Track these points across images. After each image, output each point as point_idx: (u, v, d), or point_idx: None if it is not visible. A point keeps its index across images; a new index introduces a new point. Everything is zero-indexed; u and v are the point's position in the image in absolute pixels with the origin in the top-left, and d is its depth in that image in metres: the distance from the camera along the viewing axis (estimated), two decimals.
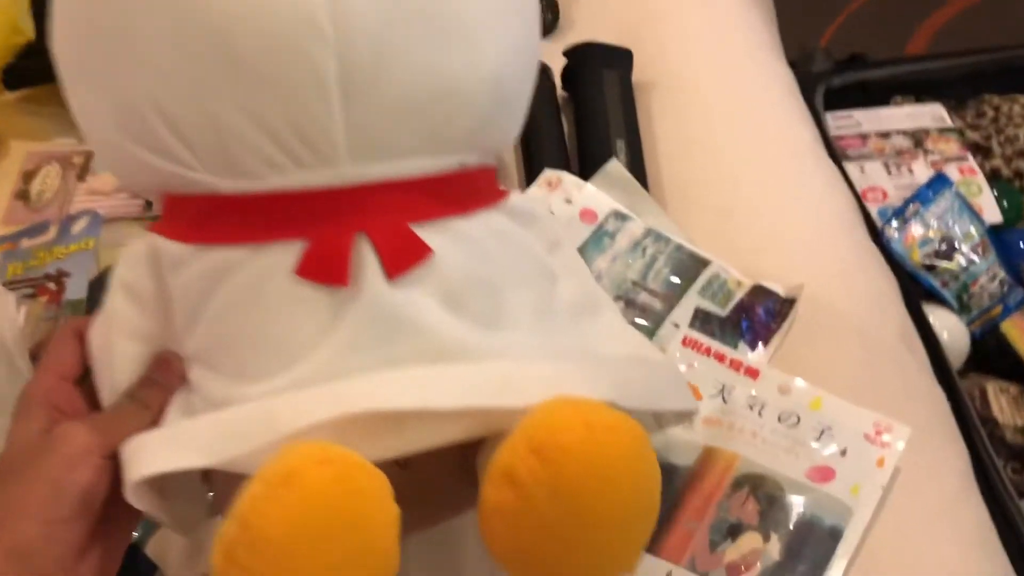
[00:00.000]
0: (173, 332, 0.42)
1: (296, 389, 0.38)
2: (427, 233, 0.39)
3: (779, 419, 0.61)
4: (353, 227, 0.38)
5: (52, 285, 0.72)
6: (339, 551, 0.34)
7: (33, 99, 0.91)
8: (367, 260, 0.38)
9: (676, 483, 0.59)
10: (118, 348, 0.42)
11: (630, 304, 0.66)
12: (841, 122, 1.10)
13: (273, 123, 0.37)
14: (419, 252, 0.39)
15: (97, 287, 0.72)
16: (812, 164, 0.81)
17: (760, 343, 0.66)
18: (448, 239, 0.40)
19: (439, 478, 0.45)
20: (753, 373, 0.63)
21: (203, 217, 0.39)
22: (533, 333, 0.42)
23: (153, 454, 0.37)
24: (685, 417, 0.54)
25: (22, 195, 0.83)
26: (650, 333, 0.65)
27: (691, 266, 0.69)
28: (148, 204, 0.81)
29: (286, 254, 0.38)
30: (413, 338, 0.39)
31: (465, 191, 0.42)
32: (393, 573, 0.36)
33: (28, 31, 0.81)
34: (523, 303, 0.42)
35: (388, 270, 0.38)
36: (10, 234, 0.78)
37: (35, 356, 0.65)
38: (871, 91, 1.16)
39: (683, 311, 0.66)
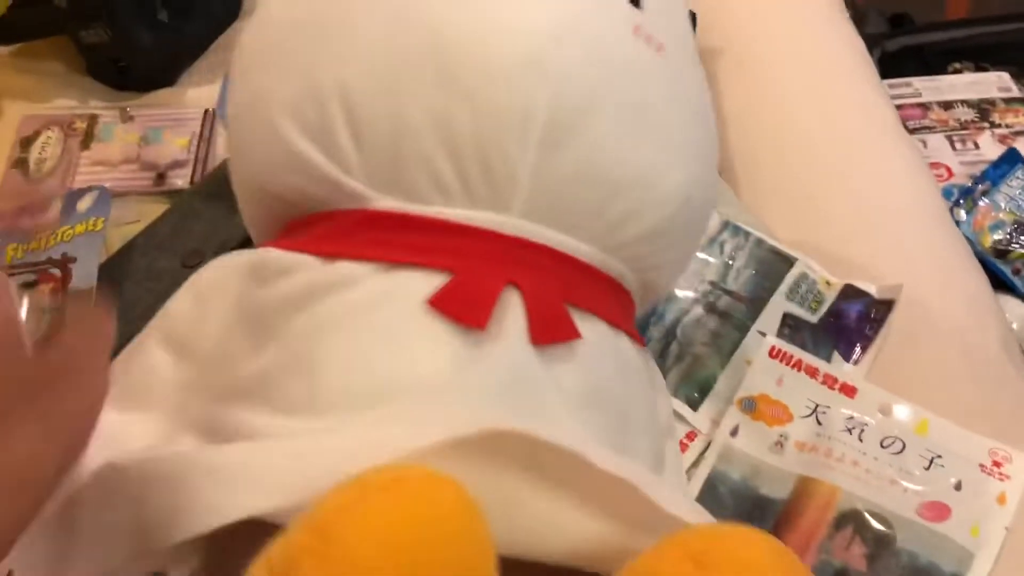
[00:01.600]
0: (221, 359, 0.36)
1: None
2: (575, 317, 0.35)
3: (882, 445, 0.54)
4: (506, 275, 0.34)
5: (56, 271, 0.64)
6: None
7: (28, 54, 0.81)
8: (511, 313, 0.33)
9: (769, 519, 0.52)
10: (152, 356, 0.37)
11: (710, 309, 0.58)
12: (899, 91, 1.01)
13: (460, 144, 0.33)
14: (568, 330, 0.34)
15: (108, 273, 0.64)
16: (893, 141, 0.72)
17: (856, 354, 0.58)
18: (595, 336, 0.36)
19: None
20: (849, 391, 0.56)
21: (338, 233, 0.35)
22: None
23: (215, 491, 0.27)
24: None
25: (19, 164, 0.74)
26: (735, 343, 0.57)
27: (775, 265, 0.60)
28: (159, 177, 0.72)
29: (422, 281, 0.33)
30: (539, 412, 0.33)
31: (616, 304, 0.38)
32: None
33: None
34: (645, 449, 0.38)
35: (534, 333, 0.33)
36: (9, 210, 0.69)
37: None
38: (927, 57, 1.07)
39: (770, 317, 0.58)
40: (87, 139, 0.74)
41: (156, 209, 0.70)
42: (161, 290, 0.63)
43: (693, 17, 0.76)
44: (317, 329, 0.33)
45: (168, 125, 0.75)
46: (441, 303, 0.32)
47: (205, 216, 0.67)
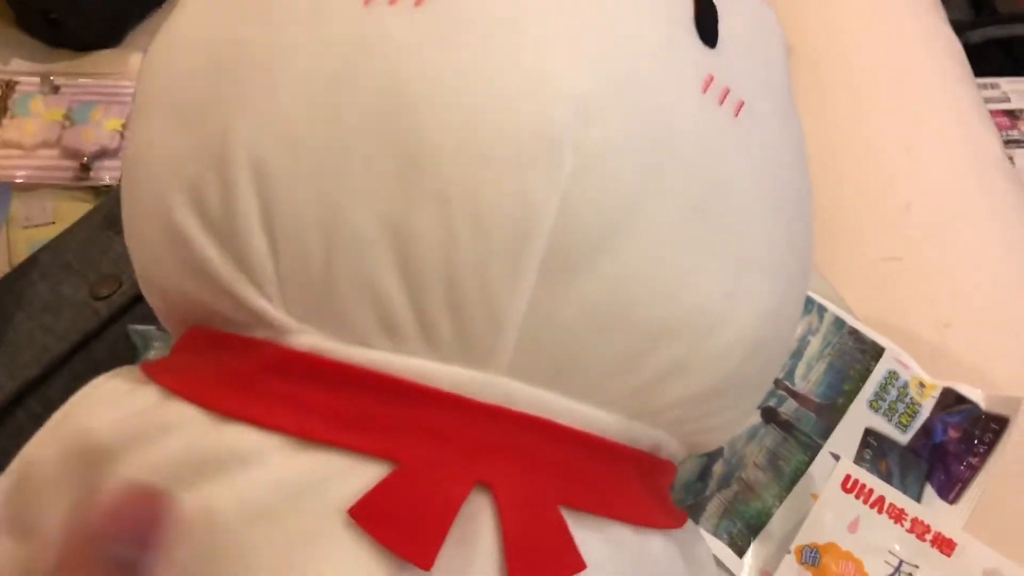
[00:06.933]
0: None
1: None
2: (579, 530, 0.23)
3: None
4: (475, 471, 0.22)
5: None
6: None
7: None
8: (480, 536, 0.22)
9: None
10: None
11: (770, 417, 0.43)
12: (984, 93, 0.84)
13: (422, 267, 0.22)
14: (566, 562, 0.22)
15: (8, 292, 0.49)
16: (998, 184, 0.56)
17: (955, 489, 0.43)
18: (607, 553, 0.24)
19: None
20: (945, 545, 0.41)
21: (238, 377, 0.24)
22: None
23: None
24: None
25: None
26: (799, 467, 0.42)
27: (857, 357, 0.45)
28: (82, 168, 0.57)
29: (347, 473, 0.22)
30: None
31: (643, 488, 0.26)
32: None
33: None
34: None
35: (513, 572, 0.22)
36: None
37: None
38: (1016, 52, 0.90)
39: (847, 433, 0.43)
40: None
41: (77, 209, 0.55)
42: (60, 329, 0.48)
43: None
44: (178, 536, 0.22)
45: (100, 101, 0.59)
46: (366, 517, 0.21)
47: None
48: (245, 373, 0.24)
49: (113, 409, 0.25)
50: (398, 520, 0.21)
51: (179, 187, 0.24)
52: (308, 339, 0.23)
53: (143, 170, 0.26)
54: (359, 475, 0.22)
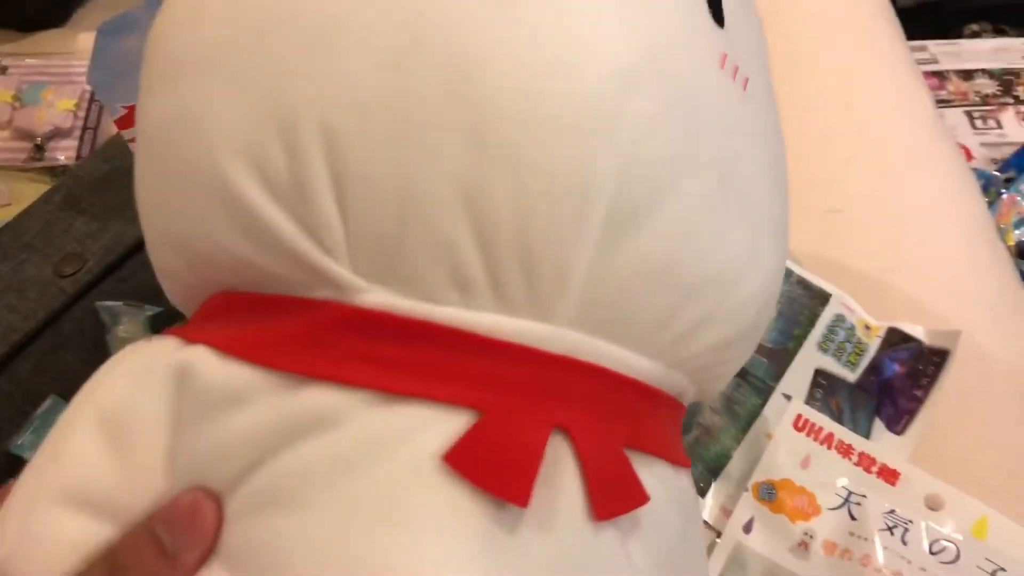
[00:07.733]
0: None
1: None
2: (636, 468, 0.26)
3: (931, 550, 0.42)
4: (552, 416, 0.24)
5: None
6: None
7: None
8: (562, 475, 0.24)
9: None
10: (54, 525, 0.24)
11: None
12: (914, 56, 0.87)
13: (495, 227, 0.23)
14: (635, 495, 0.25)
15: None
16: (932, 139, 0.59)
17: (903, 422, 0.45)
18: (660, 489, 0.27)
19: None
20: (890, 475, 0.44)
21: (308, 338, 0.24)
22: None
23: None
24: None
25: None
26: (754, 410, 0.44)
27: (806, 304, 0.47)
28: (36, 149, 0.56)
29: (433, 424, 0.23)
30: None
31: (676, 431, 0.30)
32: None
33: None
34: None
35: (596, 506, 0.24)
36: None
37: None
38: (944, 16, 0.93)
39: (798, 375, 0.45)
40: None
41: (33, 190, 0.55)
42: (25, 308, 0.48)
43: None
44: (274, 501, 0.23)
45: (50, 81, 0.59)
46: (463, 462, 0.22)
47: (90, 208, 0.52)
48: (310, 333, 0.24)
49: (160, 360, 0.25)
50: (491, 463, 0.22)
51: (236, 153, 0.23)
52: (377, 297, 0.23)
53: (184, 136, 0.25)
54: (444, 425, 0.23)
